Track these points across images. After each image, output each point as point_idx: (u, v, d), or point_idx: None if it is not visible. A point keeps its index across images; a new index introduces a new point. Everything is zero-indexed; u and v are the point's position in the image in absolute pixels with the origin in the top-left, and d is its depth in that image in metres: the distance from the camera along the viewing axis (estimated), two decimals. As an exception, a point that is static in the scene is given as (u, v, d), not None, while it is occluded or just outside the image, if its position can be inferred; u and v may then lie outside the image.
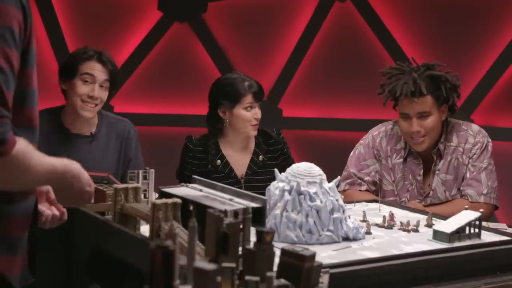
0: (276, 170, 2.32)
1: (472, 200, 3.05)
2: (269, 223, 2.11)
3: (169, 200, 1.72)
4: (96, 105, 3.09)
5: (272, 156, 3.37)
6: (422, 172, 3.13)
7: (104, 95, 3.11)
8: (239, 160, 3.34)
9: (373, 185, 3.18)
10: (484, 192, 3.08)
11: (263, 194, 2.13)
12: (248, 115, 3.25)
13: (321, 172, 2.21)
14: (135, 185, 2.01)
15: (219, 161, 3.30)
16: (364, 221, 2.36)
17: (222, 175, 3.28)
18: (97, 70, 3.08)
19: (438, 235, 2.14)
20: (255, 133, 3.30)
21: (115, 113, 3.42)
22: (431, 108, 3.03)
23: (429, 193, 3.13)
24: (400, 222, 2.34)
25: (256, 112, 3.26)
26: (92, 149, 3.15)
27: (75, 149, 3.11)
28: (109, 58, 3.14)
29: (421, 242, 2.14)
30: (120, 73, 3.27)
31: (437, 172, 3.13)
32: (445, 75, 3.05)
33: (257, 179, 3.30)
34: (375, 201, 2.76)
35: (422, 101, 3.01)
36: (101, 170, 2.94)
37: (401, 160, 3.17)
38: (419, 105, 3.01)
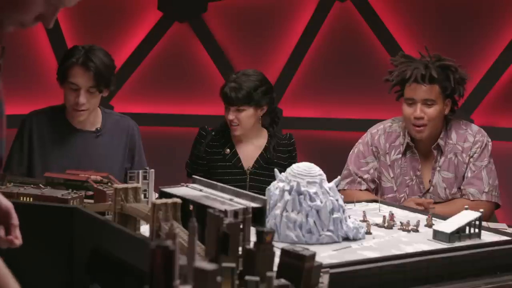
0: (276, 170, 2.33)
1: (474, 199, 3.07)
2: (269, 223, 2.11)
3: (169, 200, 1.71)
4: (85, 110, 3.05)
5: (280, 156, 3.43)
6: (420, 167, 3.14)
7: (93, 99, 3.04)
8: (248, 152, 3.41)
9: (373, 183, 3.20)
10: (486, 190, 3.09)
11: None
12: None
13: (321, 172, 2.21)
14: (135, 185, 2.01)
15: (228, 150, 3.39)
16: (364, 221, 2.36)
17: (229, 164, 3.38)
18: (80, 78, 2.97)
19: (438, 235, 2.14)
20: (235, 133, 3.36)
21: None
22: (437, 98, 3.06)
23: (429, 189, 3.13)
24: (400, 222, 2.34)
25: (228, 115, 3.32)
26: (98, 144, 3.16)
27: (81, 145, 3.13)
28: (97, 58, 2.98)
29: (421, 242, 2.14)
30: (112, 68, 3.07)
31: (438, 168, 3.13)
32: (455, 65, 3.09)
33: (263, 173, 3.37)
34: (375, 201, 2.76)
35: (429, 88, 3.04)
36: (108, 165, 3.00)
37: (400, 155, 3.18)
38: (426, 91, 3.04)
